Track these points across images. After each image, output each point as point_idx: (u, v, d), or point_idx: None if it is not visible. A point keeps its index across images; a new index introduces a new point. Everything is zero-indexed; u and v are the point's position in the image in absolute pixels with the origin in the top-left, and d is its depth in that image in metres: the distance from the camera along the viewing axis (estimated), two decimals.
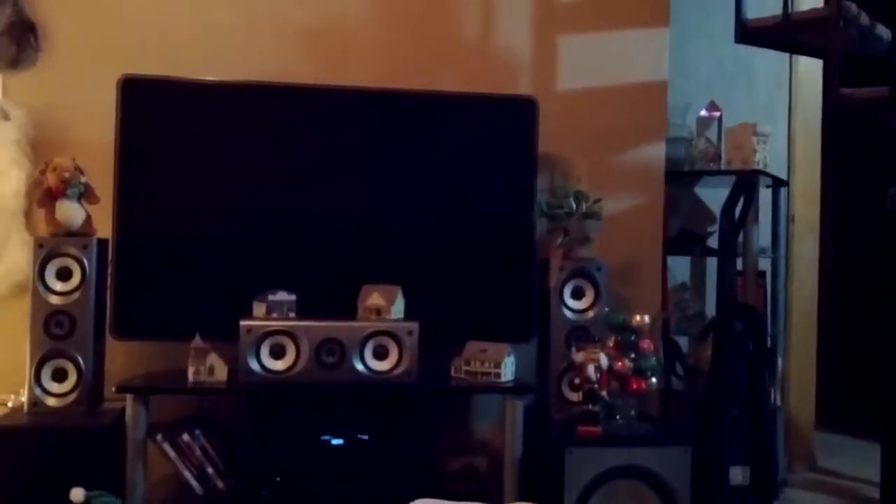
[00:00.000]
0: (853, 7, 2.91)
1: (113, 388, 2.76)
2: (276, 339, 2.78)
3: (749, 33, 3.20)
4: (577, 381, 2.97)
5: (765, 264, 3.75)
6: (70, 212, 2.80)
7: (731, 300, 3.27)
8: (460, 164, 3.16)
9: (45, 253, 2.78)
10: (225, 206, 3.03)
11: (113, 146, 2.94)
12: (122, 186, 2.94)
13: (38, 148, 3.06)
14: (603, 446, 2.82)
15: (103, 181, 2.90)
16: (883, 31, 3.02)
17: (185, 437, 2.86)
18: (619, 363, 2.91)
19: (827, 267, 4.47)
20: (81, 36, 3.15)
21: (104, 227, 2.92)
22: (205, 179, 3.02)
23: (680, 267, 3.82)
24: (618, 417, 2.98)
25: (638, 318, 2.99)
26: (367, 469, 2.86)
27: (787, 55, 4.07)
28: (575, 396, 3.01)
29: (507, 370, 2.92)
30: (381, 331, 2.83)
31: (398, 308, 2.88)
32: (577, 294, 3.11)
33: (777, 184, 3.77)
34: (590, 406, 2.88)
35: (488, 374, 2.92)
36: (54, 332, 2.76)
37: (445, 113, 3.16)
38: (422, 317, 2.86)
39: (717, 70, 3.97)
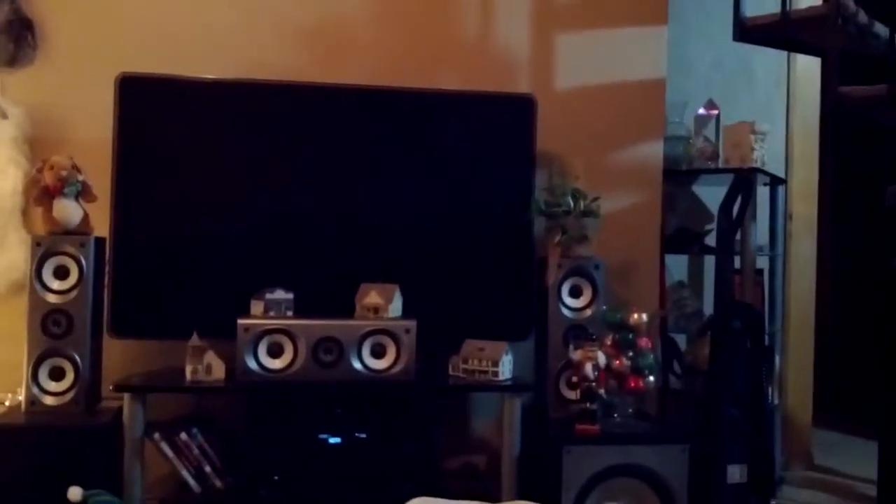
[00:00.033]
0: (851, 5, 2.91)
1: (110, 387, 2.76)
2: (273, 337, 2.78)
3: (747, 31, 3.19)
4: (574, 379, 2.97)
5: (762, 262, 3.75)
6: (67, 210, 2.80)
7: (729, 298, 3.27)
8: (458, 162, 3.16)
9: (42, 251, 2.77)
10: (222, 204, 3.02)
11: (110, 144, 2.94)
12: (119, 185, 2.94)
13: (36, 146, 3.06)
14: (601, 444, 2.83)
15: (101, 180, 2.90)
16: (881, 30, 3.02)
17: (183, 435, 2.86)
18: (617, 361, 2.92)
19: (825, 265, 4.48)
20: (79, 34, 3.14)
21: (102, 226, 2.92)
22: (202, 178, 3.02)
23: (678, 265, 3.82)
24: (615, 416, 2.98)
25: (636, 316, 2.99)
26: (365, 468, 2.86)
27: (785, 53, 4.07)
28: (573, 395, 3.01)
29: (505, 368, 2.92)
30: (378, 329, 2.83)
31: (396, 306, 2.88)
32: (575, 292, 3.11)
33: (775, 182, 3.77)
34: (588, 404, 2.88)
35: (486, 372, 2.92)
36: (52, 330, 2.76)
37: (443, 111, 3.15)
38: (419, 315, 2.86)
39: (716, 68, 3.97)
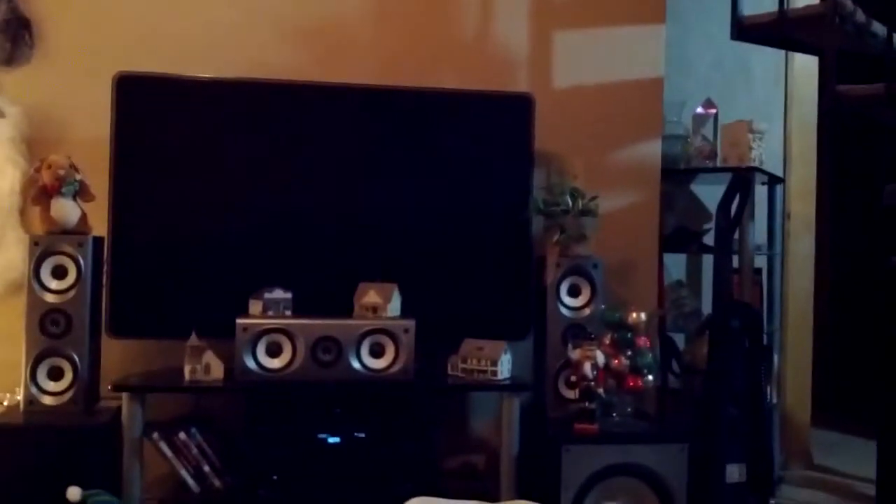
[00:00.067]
0: (849, 4, 2.91)
1: (109, 387, 2.76)
2: (272, 337, 2.78)
3: (745, 30, 3.19)
4: (573, 378, 2.97)
5: (761, 262, 3.75)
6: (65, 210, 2.80)
7: (728, 298, 3.27)
8: (456, 160, 3.16)
9: (40, 251, 2.77)
10: (221, 203, 3.02)
11: (108, 144, 2.94)
12: (117, 184, 2.94)
13: (34, 145, 3.05)
14: (599, 444, 2.83)
15: (99, 179, 2.89)
16: (879, 28, 3.02)
17: (182, 435, 2.85)
18: (616, 361, 2.92)
19: (823, 264, 4.48)
20: (77, 33, 3.14)
21: (100, 225, 2.91)
22: (201, 177, 3.02)
23: (676, 264, 3.82)
24: (614, 415, 2.98)
25: (634, 315, 2.99)
26: (364, 467, 2.86)
27: (783, 52, 4.07)
28: (571, 394, 3.01)
29: (504, 368, 2.92)
30: (377, 329, 2.83)
31: (394, 306, 2.88)
32: (574, 291, 3.11)
33: (773, 181, 3.77)
34: (586, 404, 2.88)
35: (485, 371, 2.92)
36: (50, 330, 2.76)
37: (442, 110, 3.15)
38: (418, 314, 2.86)
39: (715, 67, 3.97)
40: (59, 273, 2.78)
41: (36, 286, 2.76)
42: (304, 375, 2.78)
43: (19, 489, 2.59)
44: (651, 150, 3.51)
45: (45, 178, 2.77)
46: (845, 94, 3.12)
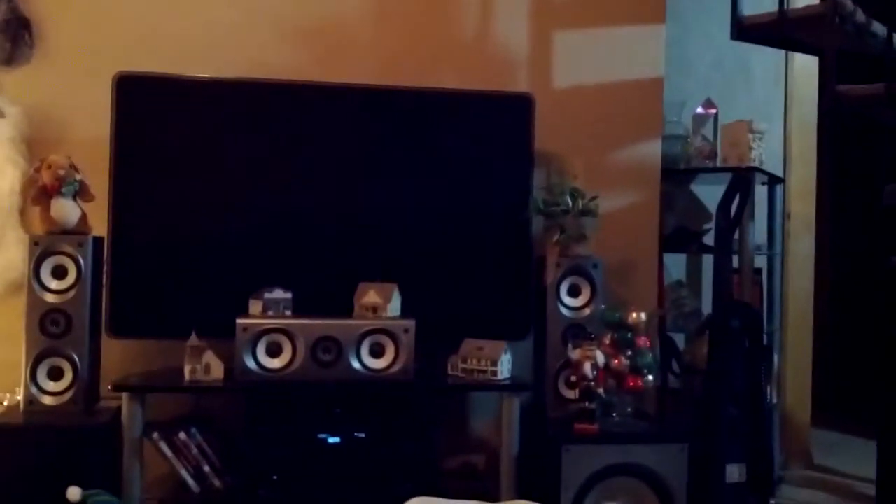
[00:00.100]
0: (849, 4, 2.91)
1: (109, 387, 2.76)
2: (272, 337, 2.78)
3: (745, 30, 3.19)
4: (573, 378, 2.97)
5: (761, 262, 3.75)
6: (65, 210, 2.80)
7: (728, 298, 3.27)
8: (456, 161, 3.16)
9: (40, 251, 2.77)
10: (221, 203, 3.02)
11: (108, 144, 2.94)
12: (117, 184, 2.94)
13: (33, 145, 3.05)
14: (599, 444, 2.83)
15: (99, 179, 2.89)
16: (879, 28, 3.02)
17: (182, 435, 2.85)
18: (616, 361, 2.92)
19: (823, 264, 4.48)
20: (77, 33, 3.14)
21: (100, 225, 2.91)
22: (201, 177, 3.02)
23: (676, 264, 3.82)
24: (614, 415, 2.98)
25: (634, 315, 2.99)
26: (365, 467, 2.86)
27: (783, 52, 4.07)
28: (571, 394, 3.01)
29: (504, 368, 2.92)
30: (377, 329, 2.83)
31: (394, 306, 2.88)
32: (574, 291, 3.11)
33: (773, 181, 3.77)
34: (586, 404, 2.88)
35: (485, 371, 2.92)
36: (50, 330, 2.76)
37: (442, 110, 3.15)
38: (418, 314, 2.86)
39: (715, 67, 3.97)
40: (59, 273, 2.78)
41: (36, 286, 2.76)
42: (304, 375, 2.78)
43: (19, 489, 2.59)
44: (651, 150, 3.51)
45: (45, 178, 2.77)
46: (845, 94, 3.12)
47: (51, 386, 2.77)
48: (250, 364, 2.76)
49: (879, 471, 3.30)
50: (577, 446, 2.80)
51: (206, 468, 2.86)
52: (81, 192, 2.83)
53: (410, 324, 2.84)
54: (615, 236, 3.31)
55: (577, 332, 3.03)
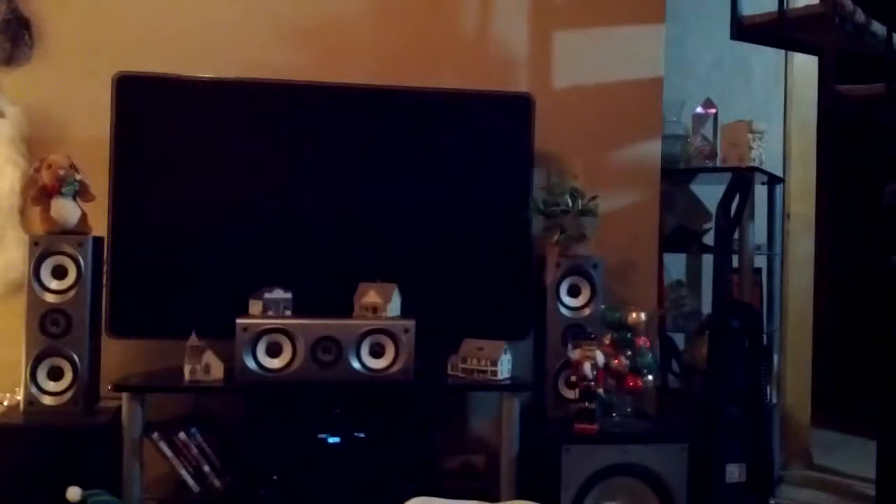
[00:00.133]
0: (849, 4, 2.91)
1: (109, 387, 2.76)
2: (272, 337, 2.78)
3: (745, 30, 3.20)
4: (573, 378, 2.97)
5: (760, 261, 3.75)
6: (65, 210, 2.80)
7: (728, 297, 3.27)
8: (456, 161, 3.16)
9: (40, 251, 2.77)
10: (221, 203, 3.02)
11: (108, 144, 2.94)
12: (117, 184, 2.94)
13: (33, 145, 3.05)
14: (599, 444, 2.83)
15: (99, 179, 2.89)
16: (878, 28, 3.02)
17: (182, 435, 2.85)
18: (616, 360, 2.92)
19: (823, 264, 4.48)
20: (76, 33, 3.14)
21: (99, 225, 2.91)
22: (201, 177, 3.02)
23: (676, 264, 3.82)
24: (614, 415, 2.98)
25: (634, 315, 2.99)
26: (364, 467, 2.86)
27: (783, 52, 4.07)
28: (571, 394, 3.01)
29: (504, 368, 2.92)
30: (377, 329, 2.83)
31: (394, 306, 2.88)
32: (574, 291, 3.11)
33: (773, 181, 3.77)
34: (586, 403, 2.87)
35: (485, 371, 2.92)
36: (50, 330, 2.76)
37: (441, 110, 3.15)
38: (418, 314, 2.86)
39: (715, 67, 3.97)
40: (59, 273, 2.78)
41: (36, 286, 2.76)
42: (304, 375, 2.78)
43: (19, 489, 2.59)
44: (651, 150, 3.51)
45: (45, 178, 2.77)
46: (845, 94, 3.12)
47: (51, 386, 2.77)
48: (250, 364, 2.76)
49: (879, 471, 3.30)
50: (577, 446, 2.80)
51: (206, 468, 2.86)
52: (81, 192, 2.83)
53: (410, 324, 2.84)
54: (615, 236, 3.31)
55: (577, 332, 3.03)
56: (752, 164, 3.46)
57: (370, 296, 2.88)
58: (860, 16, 2.95)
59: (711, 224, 3.59)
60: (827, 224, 4.79)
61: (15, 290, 2.94)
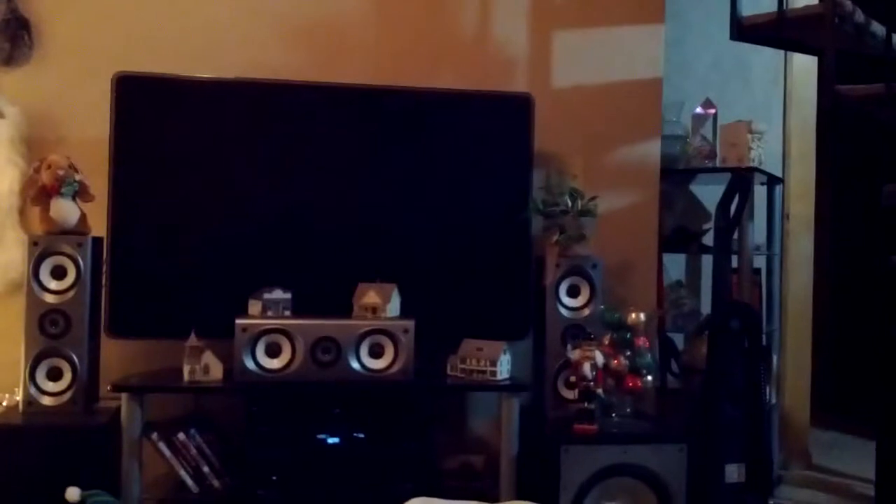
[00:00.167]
0: (848, 4, 2.91)
1: (108, 387, 2.76)
2: (271, 337, 2.78)
3: (744, 31, 3.20)
4: (572, 378, 2.97)
5: (760, 262, 3.76)
6: (65, 210, 2.80)
7: (727, 298, 3.27)
8: (455, 161, 3.16)
9: (39, 251, 2.77)
10: (220, 203, 3.02)
11: (108, 144, 2.93)
12: (117, 184, 2.94)
13: (33, 146, 3.05)
14: (599, 444, 2.83)
15: (98, 179, 2.89)
16: (878, 28, 3.02)
17: (181, 435, 2.85)
18: (615, 361, 2.92)
19: (822, 264, 4.48)
20: (76, 33, 3.14)
21: (99, 226, 2.91)
22: (200, 177, 3.01)
23: (675, 264, 3.82)
24: (613, 415, 2.98)
25: (633, 315, 2.99)
26: (364, 468, 2.86)
27: (782, 52, 4.07)
28: (571, 394, 3.01)
29: (503, 368, 2.92)
30: (376, 329, 2.83)
31: (394, 306, 2.88)
32: (573, 292, 3.11)
33: (772, 181, 3.78)
34: (585, 404, 2.87)
35: (484, 372, 2.92)
36: (49, 330, 2.76)
37: (441, 110, 3.15)
38: (417, 315, 2.86)
39: (714, 67, 3.97)
40: (58, 273, 2.78)
41: (35, 286, 2.76)
42: (304, 376, 2.78)
43: (19, 489, 2.59)
44: (650, 150, 3.51)
45: (45, 178, 2.77)
46: (845, 95, 3.12)
47: (50, 386, 2.76)
48: (249, 364, 2.76)
49: (878, 471, 3.30)
50: (577, 446, 2.80)
51: (206, 468, 2.86)
52: (81, 193, 2.83)
53: (410, 324, 2.84)
54: (614, 236, 3.31)
55: (577, 332, 3.03)
56: (751, 164, 3.46)
57: (369, 296, 2.88)
58: (860, 16, 2.95)
59: (711, 224, 3.59)
60: (826, 224, 4.79)
61: (14, 290, 2.94)
